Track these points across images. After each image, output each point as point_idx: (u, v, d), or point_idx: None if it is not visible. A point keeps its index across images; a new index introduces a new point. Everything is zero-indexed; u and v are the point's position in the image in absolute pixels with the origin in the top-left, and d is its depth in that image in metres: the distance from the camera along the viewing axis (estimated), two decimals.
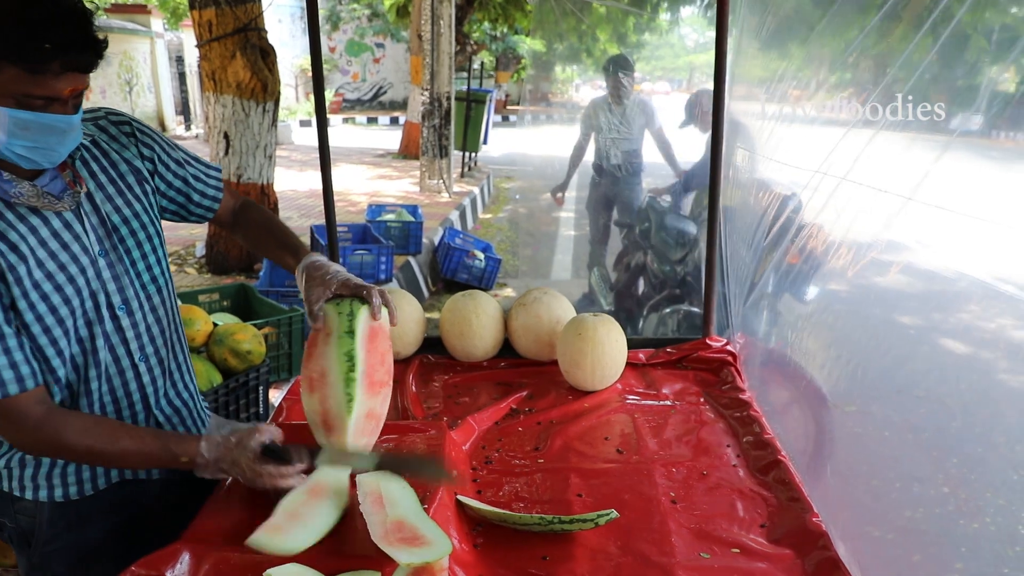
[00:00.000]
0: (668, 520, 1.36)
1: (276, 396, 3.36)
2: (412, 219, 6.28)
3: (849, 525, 3.10)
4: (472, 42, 11.72)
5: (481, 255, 6.11)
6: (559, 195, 5.62)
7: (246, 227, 1.63)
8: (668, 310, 3.59)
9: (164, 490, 1.48)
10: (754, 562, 1.25)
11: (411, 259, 6.06)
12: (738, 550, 1.28)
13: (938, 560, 2.92)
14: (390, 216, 6.33)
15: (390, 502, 1.21)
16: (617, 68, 4.94)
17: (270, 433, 1.31)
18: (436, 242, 6.54)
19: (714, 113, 2.07)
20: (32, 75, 1.12)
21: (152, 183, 1.45)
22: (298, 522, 1.22)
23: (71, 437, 1.25)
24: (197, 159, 1.56)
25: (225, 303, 3.82)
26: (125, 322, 1.37)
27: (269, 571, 1.05)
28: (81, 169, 1.33)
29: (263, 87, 4.76)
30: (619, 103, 5.00)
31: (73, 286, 1.28)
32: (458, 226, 7.87)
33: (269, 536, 1.16)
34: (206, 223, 1.65)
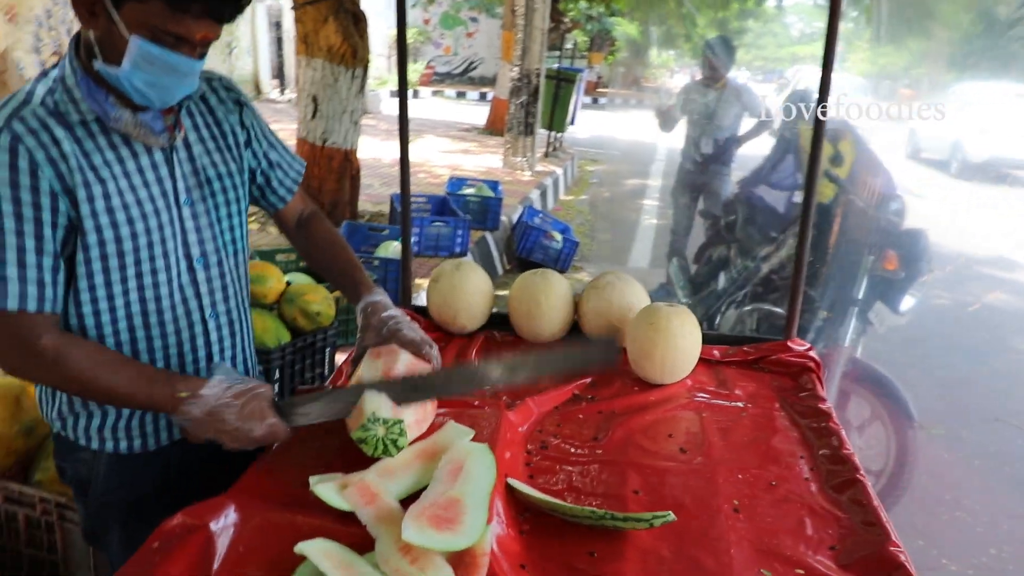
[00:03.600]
0: (728, 530, 1.27)
1: (341, 359, 3.39)
2: (492, 195, 6.25)
3: (923, 556, 2.92)
4: (567, 20, 11.54)
5: (559, 236, 6.04)
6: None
7: (310, 239, 1.64)
8: (748, 308, 3.44)
9: (216, 449, 1.49)
10: None
11: (487, 235, 6.04)
12: (803, 572, 1.18)
13: None
14: (470, 190, 6.32)
15: (465, 477, 1.17)
16: (717, 49, 4.74)
17: (270, 389, 1.30)
18: (514, 220, 6.50)
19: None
20: (173, 12, 1.14)
21: (247, 151, 1.47)
22: (388, 478, 1.22)
23: (75, 364, 1.21)
24: (286, 148, 1.58)
25: (301, 264, 3.88)
26: (200, 275, 1.37)
27: (300, 544, 1.02)
28: (185, 119, 1.35)
29: (353, 52, 4.80)
30: (714, 88, 4.81)
31: (144, 224, 1.28)
32: (538, 205, 7.80)
33: (329, 489, 1.16)
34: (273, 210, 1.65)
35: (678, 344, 1.77)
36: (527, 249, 5.98)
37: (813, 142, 1.91)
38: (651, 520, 1.21)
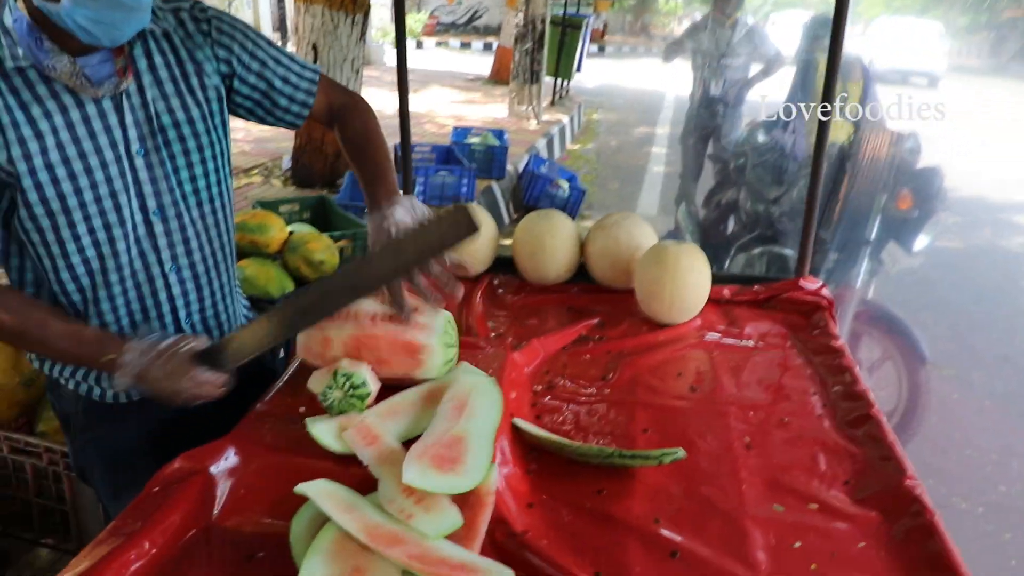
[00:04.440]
0: (739, 466, 1.25)
1: None
2: (497, 143, 6.14)
3: (934, 495, 2.91)
4: None
5: (565, 184, 5.94)
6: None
7: (342, 139, 1.53)
8: (758, 251, 3.38)
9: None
10: (833, 521, 1.12)
11: (493, 184, 5.96)
12: (816, 506, 1.16)
13: None
14: (475, 139, 6.22)
15: (470, 414, 1.13)
16: None
17: (199, 341, 1.22)
18: (520, 169, 6.40)
19: (832, 40, 1.81)
20: None
21: (225, 87, 1.35)
22: (390, 419, 1.19)
23: (3, 319, 1.16)
24: (292, 58, 1.43)
25: (305, 215, 3.83)
26: (158, 228, 1.29)
27: (300, 485, 1.00)
28: (141, 60, 1.24)
29: None
30: (726, 26, 4.66)
31: (89, 178, 1.19)
32: (545, 154, 7.68)
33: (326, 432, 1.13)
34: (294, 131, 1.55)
35: (687, 282, 1.73)
36: (534, 198, 5.90)
37: (828, 74, 1.82)
38: (660, 457, 1.18)
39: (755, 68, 4.87)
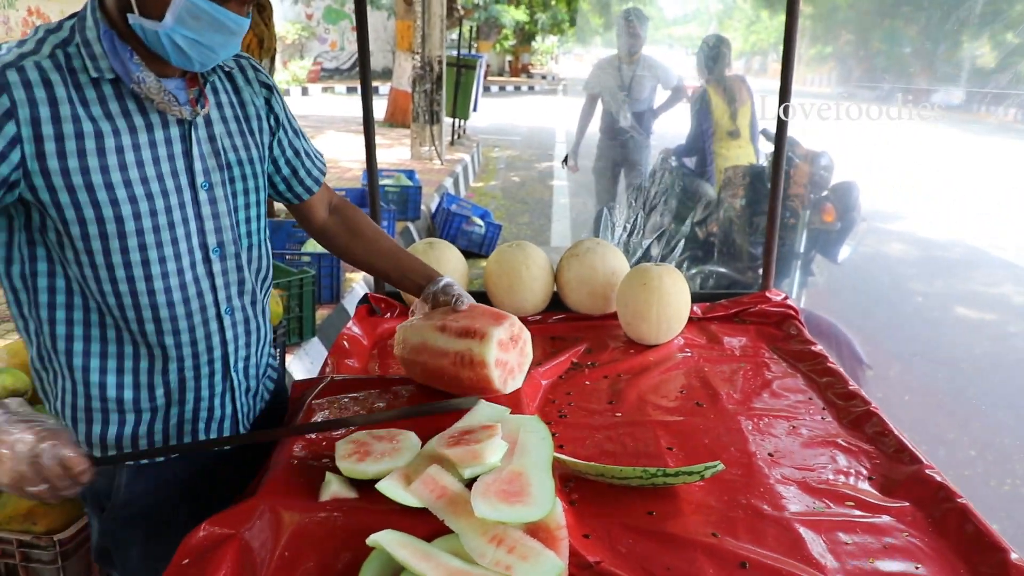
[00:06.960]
0: (769, 473, 1.28)
1: (291, 360, 3.23)
2: (410, 184, 6.12)
3: None
4: (460, 7, 11.45)
5: (481, 221, 5.98)
6: (572, 164, 5.44)
7: (350, 226, 1.53)
8: (692, 271, 3.51)
9: (241, 450, 1.37)
10: (875, 515, 1.16)
11: (410, 225, 5.92)
12: (853, 504, 1.20)
13: None
14: (388, 181, 6.17)
15: (522, 450, 1.11)
16: (634, 18, 4.78)
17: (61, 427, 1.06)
18: (432, 209, 6.39)
19: (783, 71, 1.94)
20: None
21: (271, 140, 1.35)
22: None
23: None
24: (307, 136, 1.47)
25: None
26: (217, 267, 1.23)
27: (373, 536, 0.94)
28: (209, 94, 1.21)
29: (259, 43, 4.55)
30: (630, 61, 4.87)
31: (149, 204, 1.12)
32: (452, 193, 7.72)
33: (395, 487, 1.07)
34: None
35: (671, 302, 1.77)
36: (450, 236, 5.89)
37: (781, 93, 1.94)
38: (702, 472, 1.19)
39: (660, 99, 5.10)
